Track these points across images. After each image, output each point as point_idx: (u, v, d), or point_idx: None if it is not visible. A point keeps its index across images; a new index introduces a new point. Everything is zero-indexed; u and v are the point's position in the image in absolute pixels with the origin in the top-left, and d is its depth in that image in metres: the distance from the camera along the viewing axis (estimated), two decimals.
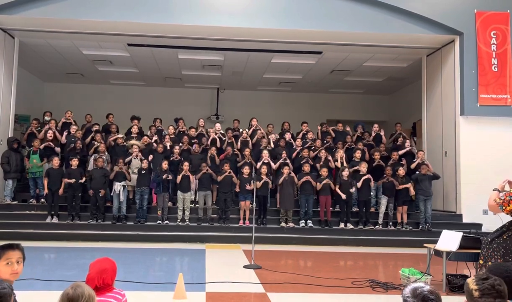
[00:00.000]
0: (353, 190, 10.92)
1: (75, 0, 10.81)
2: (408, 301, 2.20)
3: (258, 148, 11.92)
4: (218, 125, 13.19)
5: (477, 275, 2.34)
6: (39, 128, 12.03)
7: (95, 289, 2.98)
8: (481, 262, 4.82)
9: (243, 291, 6.05)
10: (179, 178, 10.64)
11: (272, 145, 12.19)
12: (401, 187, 10.87)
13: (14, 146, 11.16)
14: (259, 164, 11.31)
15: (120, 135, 11.81)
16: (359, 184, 10.88)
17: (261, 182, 10.68)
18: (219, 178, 10.78)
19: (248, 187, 10.45)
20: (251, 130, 12.65)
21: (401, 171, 10.95)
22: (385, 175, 11.04)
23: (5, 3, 10.67)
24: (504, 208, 4.52)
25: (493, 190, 4.82)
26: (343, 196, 10.74)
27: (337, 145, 12.21)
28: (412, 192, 10.90)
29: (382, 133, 12.98)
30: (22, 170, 11.50)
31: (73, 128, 11.96)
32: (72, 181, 10.45)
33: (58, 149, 11.58)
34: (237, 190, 10.95)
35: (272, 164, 11.40)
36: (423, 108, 13.39)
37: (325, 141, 12.41)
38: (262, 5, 11.26)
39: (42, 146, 11.28)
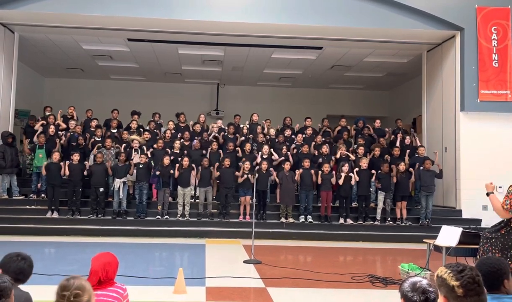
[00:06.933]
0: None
1: None
2: (408, 295, 2.20)
3: (257, 143, 11.91)
4: (219, 121, 13.20)
5: (451, 267, 2.20)
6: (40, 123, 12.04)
7: (98, 282, 3.00)
8: (478, 257, 4.84)
9: (243, 286, 6.08)
10: (177, 173, 10.65)
11: (273, 133, 12.34)
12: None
13: (8, 140, 11.07)
14: (258, 158, 11.33)
15: (137, 137, 11.59)
16: (356, 177, 10.89)
17: (264, 167, 10.77)
18: (216, 174, 10.90)
19: (251, 177, 10.41)
20: (247, 123, 12.66)
21: (402, 166, 10.94)
22: (380, 171, 11.05)
23: None
24: None
25: (488, 195, 4.82)
26: (340, 182, 10.78)
27: (338, 143, 12.18)
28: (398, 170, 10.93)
29: (387, 130, 13.04)
30: (17, 165, 11.49)
31: (72, 124, 11.95)
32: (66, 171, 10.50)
33: (62, 139, 11.58)
34: (239, 180, 10.85)
35: (275, 154, 11.44)
36: (423, 104, 13.38)
37: (324, 139, 12.39)
38: (262, 0, 11.23)
39: (37, 136, 11.28)
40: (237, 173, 10.82)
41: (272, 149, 11.55)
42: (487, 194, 4.84)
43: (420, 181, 11.00)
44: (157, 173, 10.58)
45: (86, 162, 11.14)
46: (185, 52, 14.01)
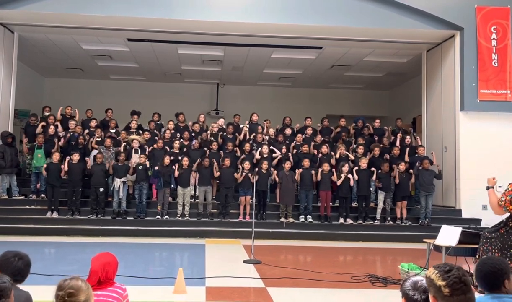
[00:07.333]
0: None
1: None
2: (409, 294, 2.23)
3: (257, 143, 11.92)
4: (221, 120, 13.19)
5: (438, 267, 2.23)
6: (37, 123, 12.03)
7: (97, 282, 3.00)
8: (478, 256, 4.86)
9: (243, 286, 6.08)
10: (177, 173, 10.66)
11: (272, 133, 12.42)
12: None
13: (8, 140, 11.05)
14: (257, 155, 11.35)
15: (136, 137, 11.61)
16: (355, 176, 10.91)
17: (265, 167, 10.78)
18: (216, 174, 10.89)
19: (250, 177, 10.40)
20: (246, 123, 12.69)
21: (402, 166, 10.94)
22: (380, 170, 11.06)
23: None
24: (508, 208, 4.58)
25: (487, 189, 4.86)
26: (338, 182, 10.78)
27: (337, 143, 12.19)
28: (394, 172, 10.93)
29: (386, 128, 13.06)
30: (17, 165, 11.49)
31: (72, 124, 11.94)
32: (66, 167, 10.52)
33: (62, 141, 11.58)
34: (239, 179, 10.83)
35: (276, 150, 11.49)
36: (423, 103, 13.38)
37: (324, 139, 12.40)
38: (262, 0, 11.22)
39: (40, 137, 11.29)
40: (236, 175, 10.81)
41: (272, 147, 11.59)
42: (487, 188, 4.88)
43: (419, 180, 11.00)
44: (156, 167, 10.58)
45: (87, 158, 11.13)
46: (185, 52, 14.01)
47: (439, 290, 2.14)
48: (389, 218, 11.00)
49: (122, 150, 11.13)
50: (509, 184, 4.68)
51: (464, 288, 2.13)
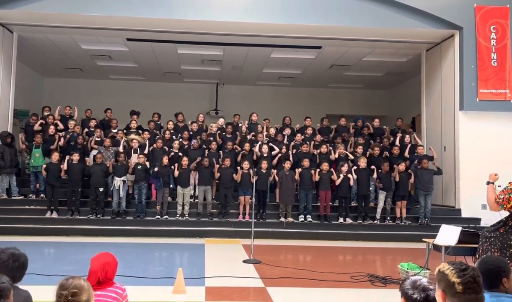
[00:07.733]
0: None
1: None
2: (408, 293, 2.23)
3: (256, 142, 11.92)
4: (221, 120, 13.19)
5: (454, 264, 2.26)
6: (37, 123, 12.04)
7: (97, 283, 3.00)
8: (477, 256, 4.87)
9: (242, 286, 6.08)
10: (176, 172, 10.66)
11: (273, 132, 12.43)
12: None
13: (7, 141, 11.03)
14: (257, 149, 11.38)
15: (136, 137, 11.61)
16: (354, 176, 10.90)
17: (265, 167, 10.77)
18: (217, 175, 10.88)
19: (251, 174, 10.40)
20: (246, 122, 12.68)
21: (402, 166, 10.94)
22: (380, 170, 11.06)
23: None
24: (505, 206, 4.58)
25: (487, 184, 4.87)
26: (337, 182, 10.77)
27: (336, 141, 12.21)
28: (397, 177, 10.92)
29: (385, 127, 13.07)
30: (16, 165, 11.48)
31: (71, 124, 11.93)
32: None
33: (62, 141, 11.57)
34: (238, 179, 10.86)
35: (276, 147, 11.52)
36: (423, 103, 13.38)
37: (323, 139, 12.39)
38: (262, 0, 11.22)
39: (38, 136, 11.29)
40: (234, 176, 10.81)
41: (271, 144, 11.60)
42: (487, 183, 4.89)
43: (418, 179, 11.00)
44: (155, 169, 10.59)
45: (86, 159, 11.13)
46: (184, 52, 14.00)
47: (451, 286, 2.17)
48: (388, 218, 11.00)
49: (121, 150, 11.13)
50: (509, 183, 4.68)
51: (477, 288, 2.17)
